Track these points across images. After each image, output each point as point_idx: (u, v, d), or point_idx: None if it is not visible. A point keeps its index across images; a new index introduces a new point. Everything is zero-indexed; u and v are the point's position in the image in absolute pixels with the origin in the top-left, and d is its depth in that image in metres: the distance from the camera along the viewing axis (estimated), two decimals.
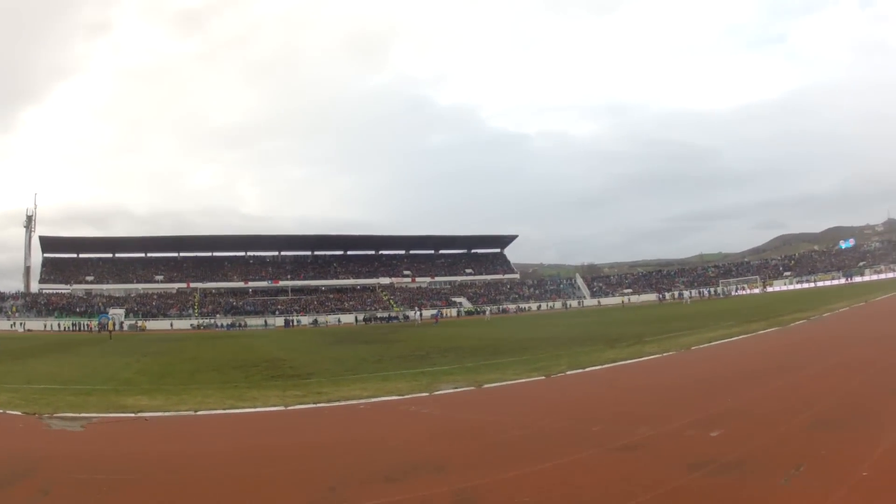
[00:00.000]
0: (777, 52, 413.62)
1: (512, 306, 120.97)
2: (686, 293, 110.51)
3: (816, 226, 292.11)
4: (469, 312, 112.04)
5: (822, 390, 11.80)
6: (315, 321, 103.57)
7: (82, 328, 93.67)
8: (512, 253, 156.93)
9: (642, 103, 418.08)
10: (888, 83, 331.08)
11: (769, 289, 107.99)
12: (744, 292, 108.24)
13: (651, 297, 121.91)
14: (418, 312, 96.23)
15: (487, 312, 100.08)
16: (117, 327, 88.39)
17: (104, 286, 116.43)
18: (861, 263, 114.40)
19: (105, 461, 9.43)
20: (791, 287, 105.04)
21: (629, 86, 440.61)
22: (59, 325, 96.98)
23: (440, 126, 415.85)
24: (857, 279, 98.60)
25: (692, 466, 7.45)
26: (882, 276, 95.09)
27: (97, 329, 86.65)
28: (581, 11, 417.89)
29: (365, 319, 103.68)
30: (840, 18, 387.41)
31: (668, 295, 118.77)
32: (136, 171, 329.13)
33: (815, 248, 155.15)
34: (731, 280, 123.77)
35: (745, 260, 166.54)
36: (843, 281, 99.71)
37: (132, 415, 13.18)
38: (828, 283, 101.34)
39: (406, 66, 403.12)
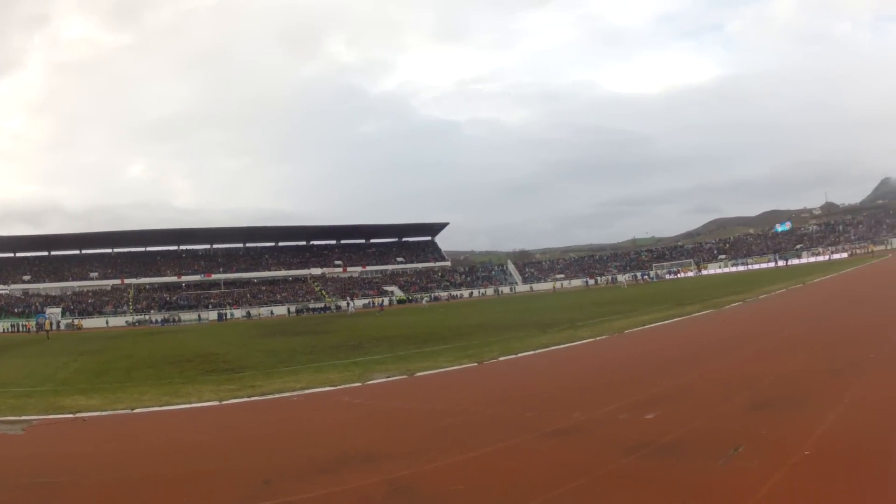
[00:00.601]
0: (713, 40, 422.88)
1: (444, 294, 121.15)
2: (622, 277, 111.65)
3: (752, 209, 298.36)
4: (401, 301, 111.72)
5: (760, 371, 11.74)
6: (248, 314, 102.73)
7: (20, 329, 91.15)
8: (443, 241, 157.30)
9: (574, 90, 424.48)
10: (826, 72, 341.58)
11: (703, 272, 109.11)
12: (679, 276, 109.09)
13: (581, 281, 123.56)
14: (350, 302, 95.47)
15: (424, 300, 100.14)
16: (55, 326, 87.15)
17: (41, 285, 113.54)
18: (798, 246, 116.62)
19: (47, 464, 9.34)
20: (726, 270, 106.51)
21: (561, 72, 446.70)
22: None
23: (371, 115, 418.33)
24: (795, 261, 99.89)
25: (628, 449, 7.33)
26: (820, 258, 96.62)
27: (35, 329, 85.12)
28: (514, 1, 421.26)
29: (297, 311, 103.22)
30: (781, 8, 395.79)
31: (601, 279, 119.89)
32: (69, 166, 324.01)
33: (751, 231, 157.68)
34: (664, 264, 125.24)
35: (679, 244, 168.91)
36: (773, 265, 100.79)
37: (71, 415, 13.03)
38: (762, 265, 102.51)
39: (338, 56, 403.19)
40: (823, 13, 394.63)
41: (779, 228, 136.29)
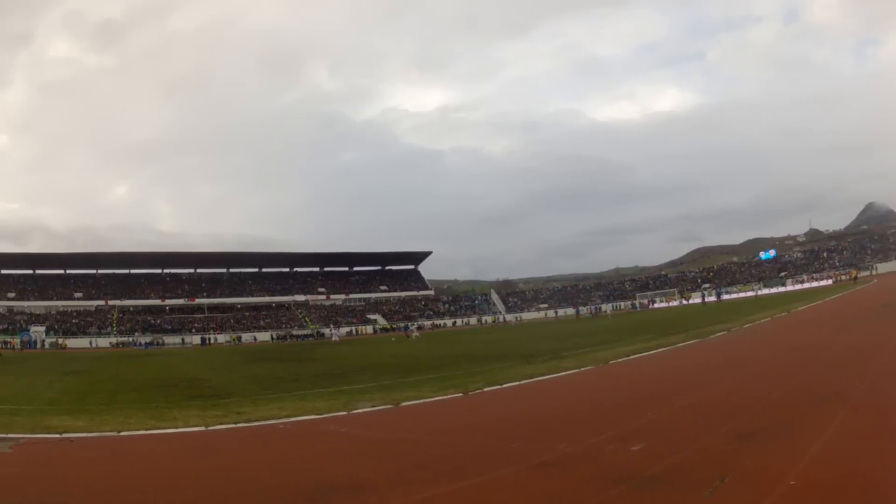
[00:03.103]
0: (694, 68, 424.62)
1: (427, 323, 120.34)
2: (606, 307, 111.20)
3: (735, 238, 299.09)
4: (385, 329, 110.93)
5: (745, 401, 11.80)
6: (239, 338, 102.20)
7: (7, 345, 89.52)
8: (425, 269, 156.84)
9: (556, 119, 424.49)
10: (807, 97, 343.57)
11: (686, 301, 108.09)
12: (662, 305, 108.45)
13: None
14: (333, 330, 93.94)
15: (413, 329, 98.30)
16: (39, 345, 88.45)
17: (25, 303, 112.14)
18: (782, 274, 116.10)
19: (36, 484, 9.29)
20: (710, 300, 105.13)
21: (543, 101, 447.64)
22: None
23: (354, 143, 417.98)
24: (760, 292, 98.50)
25: (614, 481, 7.32)
26: (806, 285, 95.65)
27: (20, 347, 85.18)
28: (496, 31, 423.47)
29: (280, 337, 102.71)
30: (762, 36, 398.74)
31: (583, 309, 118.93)
32: (53, 185, 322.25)
33: (734, 259, 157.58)
34: (647, 293, 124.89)
35: (662, 273, 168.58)
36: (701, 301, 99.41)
37: (58, 435, 12.94)
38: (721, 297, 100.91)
39: (320, 83, 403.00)
40: (804, 39, 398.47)
41: (763, 256, 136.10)
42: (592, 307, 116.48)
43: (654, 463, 7.92)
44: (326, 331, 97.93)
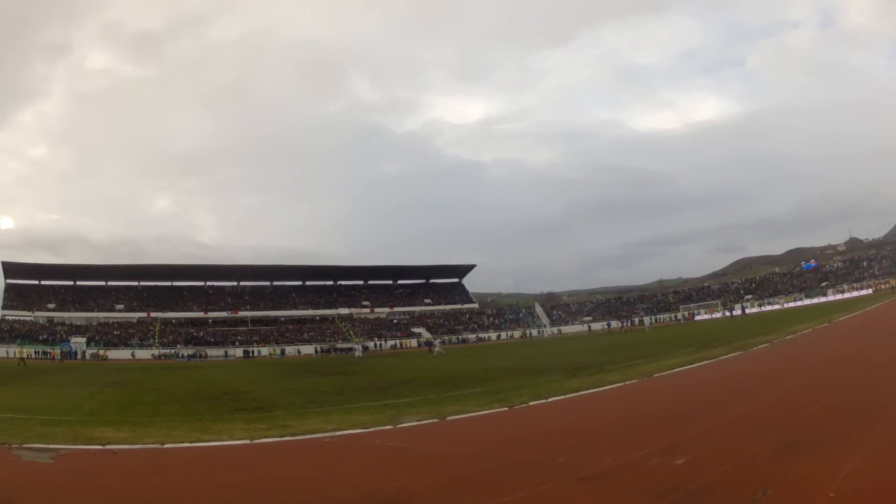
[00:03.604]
0: (733, 75, 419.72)
1: (472, 336, 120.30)
2: (646, 320, 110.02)
3: (777, 248, 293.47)
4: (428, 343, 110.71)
5: (786, 414, 11.85)
6: (283, 351, 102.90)
7: (47, 356, 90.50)
8: (468, 282, 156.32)
9: (597, 129, 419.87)
10: (845, 103, 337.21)
11: (727, 313, 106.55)
12: (704, 317, 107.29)
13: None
14: (360, 346, 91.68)
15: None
16: (80, 356, 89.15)
17: (66, 314, 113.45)
18: (823, 284, 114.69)
19: (78, 495, 9.42)
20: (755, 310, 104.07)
21: (584, 111, 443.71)
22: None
23: (396, 154, 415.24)
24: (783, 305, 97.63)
25: (658, 495, 7.42)
26: (846, 295, 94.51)
27: (60, 358, 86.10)
28: (536, 40, 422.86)
29: (325, 350, 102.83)
30: (799, 41, 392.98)
31: (615, 323, 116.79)
32: (92, 196, 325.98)
33: (776, 270, 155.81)
34: (690, 305, 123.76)
35: (706, 284, 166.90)
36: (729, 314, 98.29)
37: (100, 447, 12.98)
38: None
39: (361, 94, 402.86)
40: (839, 43, 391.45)
41: (805, 266, 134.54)
42: (627, 321, 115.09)
43: (697, 476, 8.00)
44: (370, 344, 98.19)
